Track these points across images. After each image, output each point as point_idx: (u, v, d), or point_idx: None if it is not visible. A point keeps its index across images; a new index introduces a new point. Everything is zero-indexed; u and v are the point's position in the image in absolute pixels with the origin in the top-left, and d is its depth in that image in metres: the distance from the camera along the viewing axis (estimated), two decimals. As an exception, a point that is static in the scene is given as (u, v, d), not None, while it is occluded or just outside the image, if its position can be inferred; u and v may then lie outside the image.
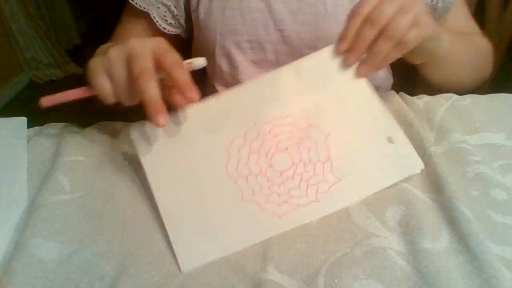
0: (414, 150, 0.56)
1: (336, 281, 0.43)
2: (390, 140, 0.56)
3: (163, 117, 0.48)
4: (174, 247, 0.49)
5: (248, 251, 0.48)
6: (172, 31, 0.80)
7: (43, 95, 0.54)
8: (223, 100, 0.58)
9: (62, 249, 0.48)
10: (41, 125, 0.66)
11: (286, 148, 0.56)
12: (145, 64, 0.49)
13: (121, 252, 0.48)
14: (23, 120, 0.65)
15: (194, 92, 0.50)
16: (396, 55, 0.56)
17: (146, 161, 0.55)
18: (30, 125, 0.65)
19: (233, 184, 0.54)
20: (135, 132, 0.56)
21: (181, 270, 0.47)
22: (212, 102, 0.58)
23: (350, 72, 0.58)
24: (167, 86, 0.51)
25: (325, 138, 0.56)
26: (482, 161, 0.57)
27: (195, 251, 0.49)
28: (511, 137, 0.61)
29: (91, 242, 0.48)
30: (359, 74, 0.58)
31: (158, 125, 0.48)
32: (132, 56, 0.49)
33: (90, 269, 0.46)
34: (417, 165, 0.55)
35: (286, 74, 0.59)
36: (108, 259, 0.47)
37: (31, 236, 0.48)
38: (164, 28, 0.78)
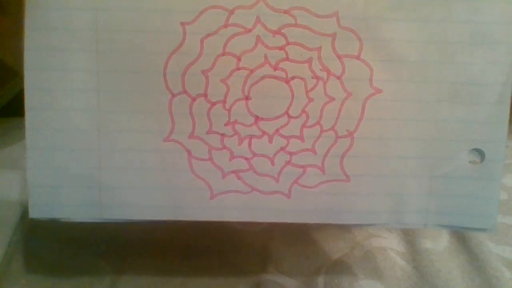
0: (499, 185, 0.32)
1: (336, 281, 0.43)
2: (476, 154, 0.32)
3: None
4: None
5: (248, 250, 0.48)
6: None
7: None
8: None
9: (62, 249, 0.47)
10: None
11: (287, 79, 0.31)
12: None
13: (121, 252, 0.47)
14: (23, 120, 0.65)
15: None
16: None
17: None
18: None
19: (164, 95, 0.30)
20: None
21: (29, 215, 0.32)
22: None
23: None
24: None
25: (367, 92, 0.31)
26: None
27: (60, 194, 0.32)
28: (511, 138, 0.62)
29: (91, 242, 0.48)
30: None
31: None
32: None
33: (90, 269, 0.45)
34: (490, 217, 0.33)
35: None
36: (108, 259, 0.46)
37: (31, 236, 0.48)
38: None
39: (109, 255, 0.47)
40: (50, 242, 0.47)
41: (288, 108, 0.31)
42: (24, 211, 0.51)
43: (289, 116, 0.31)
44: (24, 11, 0.30)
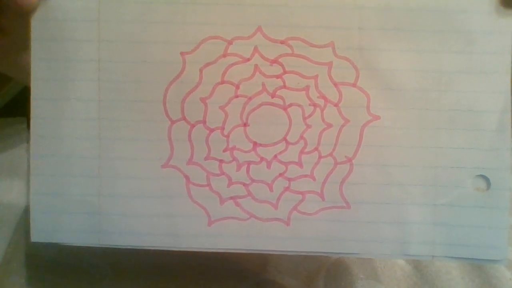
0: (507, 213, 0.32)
1: (336, 281, 0.43)
2: (482, 181, 0.31)
3: None
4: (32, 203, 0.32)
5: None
6: None
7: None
8: None
9: (62, 249, 0.48)
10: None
11: (285, 106, 0.31)
12: None
13: (121, 252, 0.47)
14: (23, 120, 0.65)
15: None
16: None
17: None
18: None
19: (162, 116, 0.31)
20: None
21: (31, 239, 0.33)
22: None
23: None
24: None
25: (365, 119, 0.31)
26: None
27: (61, 222, 0.32)
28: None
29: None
30: None
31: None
32: None
33: (90, 269, 0.45)
34: (500, 247, 0.32)
35: None
36: (108, 260, 0.47)
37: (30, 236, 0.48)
38: None
39: (109, 255, 0.47)
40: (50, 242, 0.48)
41: (286, 135, 0.31)
42: (24, 212, 0.51)
43: (287, 142, 0.31)
44: (24, 32, 0.31)
